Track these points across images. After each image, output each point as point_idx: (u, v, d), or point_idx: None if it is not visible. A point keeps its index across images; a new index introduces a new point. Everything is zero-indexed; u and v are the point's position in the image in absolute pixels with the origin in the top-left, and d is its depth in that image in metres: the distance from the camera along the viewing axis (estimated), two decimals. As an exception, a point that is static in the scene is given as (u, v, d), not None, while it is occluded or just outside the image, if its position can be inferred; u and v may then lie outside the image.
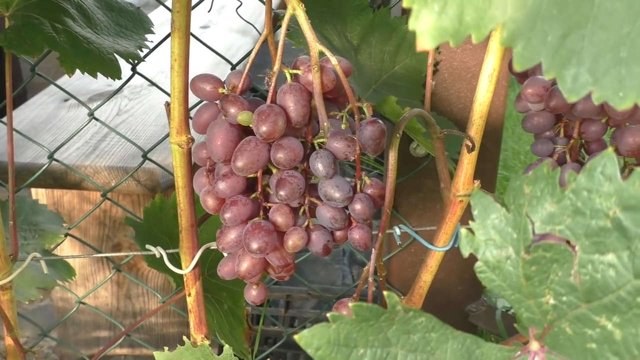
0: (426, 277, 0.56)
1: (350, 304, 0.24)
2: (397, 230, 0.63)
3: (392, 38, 0.63)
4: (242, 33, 1.76)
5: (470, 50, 0.74)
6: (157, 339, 1.28)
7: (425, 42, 0.23)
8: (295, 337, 0.24)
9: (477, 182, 0.51)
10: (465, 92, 0.76)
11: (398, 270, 0.88)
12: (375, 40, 0.62)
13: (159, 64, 1.41)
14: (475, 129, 0.49)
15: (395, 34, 0.63)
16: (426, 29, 0.23)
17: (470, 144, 0.48)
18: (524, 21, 0.22)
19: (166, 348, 0.52)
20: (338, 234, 0.46)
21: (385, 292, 0.24)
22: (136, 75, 0.78)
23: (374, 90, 0.60)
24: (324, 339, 0.24)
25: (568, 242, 0.23)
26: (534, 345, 0.25)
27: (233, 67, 0.77)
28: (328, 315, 0.25)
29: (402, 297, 0.56)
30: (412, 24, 0.23)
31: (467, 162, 0.50)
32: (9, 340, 0.53)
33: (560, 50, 0.22)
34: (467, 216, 0.64)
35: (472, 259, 0.94)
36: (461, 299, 0.91)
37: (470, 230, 0.24)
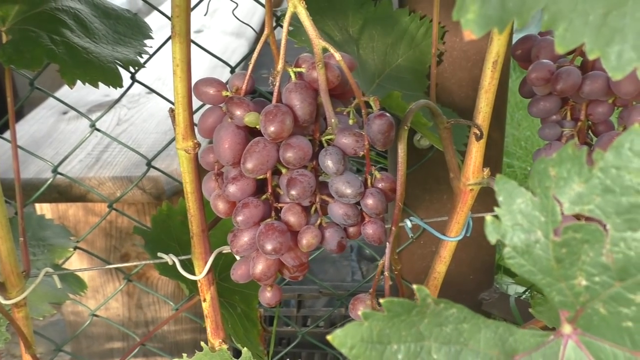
0: (440, 268, 0.56)
1: (381, 300, 0.24)
2: (409, 223, 0.63)
3: (395, 30, 0.62)
4: (236, 35, 1.76)
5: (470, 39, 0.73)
6: (171, 347, 1.28)
7: (471, 32, 0.23)
8: (328, 337, 0.24)
9: (486, 170, 0.51)
10: (467, 82, 0.75)
11: (408, 263, 0.87)
12: (378, 34, 0.61)
13: (155, 71, 1.41)
14: (483, 117, 0.48)
15: (397, 26, 0.63)
16: (471, 18, 0.23)
17: (478, 132, 0.48)
18: (565, 2, 0.22)
19: (184, 355, 0.52)
20: (351, 230, 0.45)
21: (415, 286, 0.24)
22: (134, 84, 0.77)
23: (378, 85, 0.60)
24: (357, 337, 0.23)
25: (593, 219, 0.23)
26: (567, 328, 0.25)
27: (232, 70, 0.76)
28: (359, 313, 0.24)
29: (417, 290, 0.56)
30: (457, 14, 0.23)
31: (476, 150, 0.49)
32: (27, 358, 0.53)
33: (603, 29, 0.22)
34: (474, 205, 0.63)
35: (482, 247, 0.93)
36: (473, 288, 0.91)
37: (496, 217, 0.24)
